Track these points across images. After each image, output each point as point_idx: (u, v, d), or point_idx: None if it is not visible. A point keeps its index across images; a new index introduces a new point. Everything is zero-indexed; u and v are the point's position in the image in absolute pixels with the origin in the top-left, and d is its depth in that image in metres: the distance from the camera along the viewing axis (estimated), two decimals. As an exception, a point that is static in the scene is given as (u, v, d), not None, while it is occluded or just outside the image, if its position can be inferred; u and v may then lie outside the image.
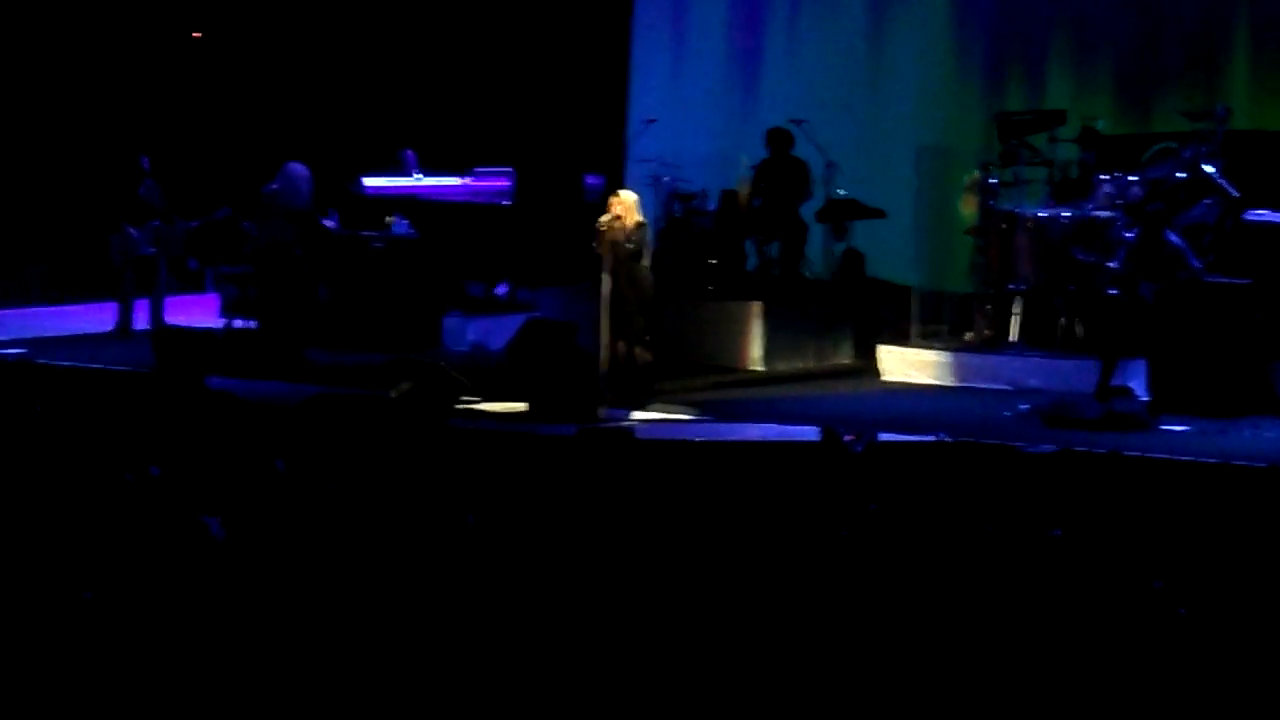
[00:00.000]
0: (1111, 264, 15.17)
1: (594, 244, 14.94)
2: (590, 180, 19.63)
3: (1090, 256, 15.67)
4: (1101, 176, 16.34)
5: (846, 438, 12.17)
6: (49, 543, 7.92)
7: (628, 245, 14.88)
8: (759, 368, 17.15)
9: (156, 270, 19.21)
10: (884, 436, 12.43)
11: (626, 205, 15.04)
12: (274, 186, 17.50)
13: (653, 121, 19.73)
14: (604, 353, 14.96)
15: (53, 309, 20.69)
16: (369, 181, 19.43)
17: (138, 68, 22.03)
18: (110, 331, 19.10)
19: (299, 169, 17.73)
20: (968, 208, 17.03)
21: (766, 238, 18.46)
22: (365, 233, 18.68)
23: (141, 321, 19.06)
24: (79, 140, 21.52)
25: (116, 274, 19.28)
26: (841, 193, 18.47)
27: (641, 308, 15.00)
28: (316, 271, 17.84)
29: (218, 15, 22.53)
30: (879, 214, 18.56)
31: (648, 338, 15.02)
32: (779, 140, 18.30)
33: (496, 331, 17.71)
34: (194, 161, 20.95)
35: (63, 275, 21.41)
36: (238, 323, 18.34)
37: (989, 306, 16.77)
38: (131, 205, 19.20)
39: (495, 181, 19.85)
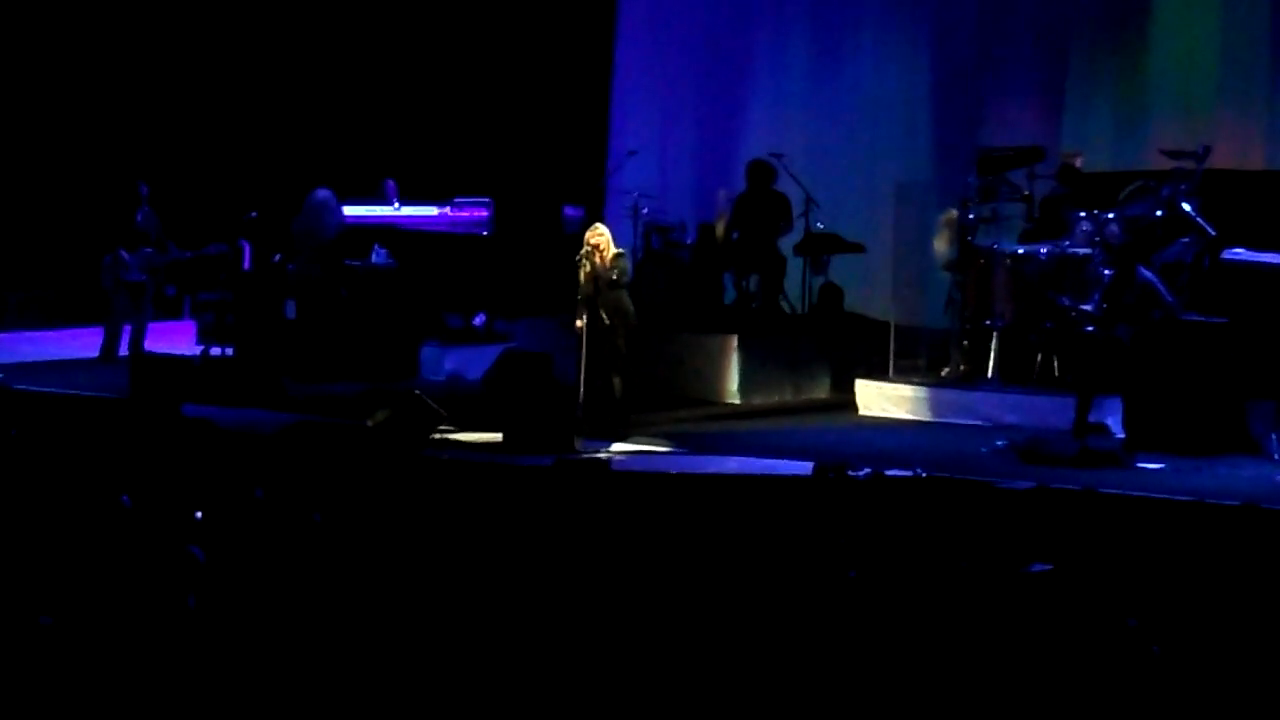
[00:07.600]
0: (1086, 307, 15.18)
1: (579, 276, 14.98)
2: (569, 211, 19.64)
3: (1065, 299, 15.67)
4: (1079, 214, 16.34)
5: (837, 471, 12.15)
6: (19, 567, 7.89)
7: (611, 275, 14.92)
8: (735, 401, 17.12)
9: (144, 297, 19.20)
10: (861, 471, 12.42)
11: (603, 237, 15.11)
12: (300, 220, 17.66)
13: (634, 153, 19.73)
14: (581, 385, 14.96)
15: (33, 333, 20.66)
16: (349, 210, 19.44)
17: (131, 96, 22.05)
18: (96, 357, 19.06)
19: (320, 196, 17.79)
20: (941, 244, 17.02)
21: (744, 271, 18.46)
22: (346, 262, 18.69)
23: (125, 348, 19.04)
24: (66, 167, 21.51)
25: (105, 298, 19.26)
26: (820, 227, 18.48)
27: (626, 335, 15.03)
28: (346, 303, 17.93)
29: (202, 43, 22.52)
30: (858, 249, 18.59)
31: (626, 366, 15.04)
32: (759, 174, 18.32)
33: (474, 362, 17.70)
34: (188, 191, 20.96)
35: (45, 300, 21.39)
36: (214, 350, 18.33)
37: (966, 342, 16.77)
38: (127, 230, 19.20)
39: (474, 212, 19.88)
